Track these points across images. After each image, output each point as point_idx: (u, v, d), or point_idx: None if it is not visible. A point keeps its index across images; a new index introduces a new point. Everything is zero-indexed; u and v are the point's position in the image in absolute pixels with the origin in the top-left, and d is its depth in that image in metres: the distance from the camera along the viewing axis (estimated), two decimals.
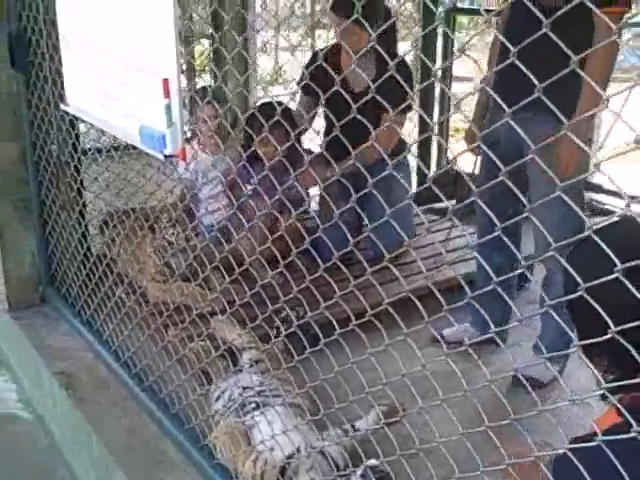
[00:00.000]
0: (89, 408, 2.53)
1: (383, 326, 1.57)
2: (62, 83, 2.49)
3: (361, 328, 1.61)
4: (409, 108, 3.54)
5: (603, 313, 0.93)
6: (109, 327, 2.65)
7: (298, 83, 3.53)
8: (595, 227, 1.00)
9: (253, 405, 2.23)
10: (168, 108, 1.89)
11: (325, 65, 1.79)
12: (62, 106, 2.51)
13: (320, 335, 1.74)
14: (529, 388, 1.31)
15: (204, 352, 2.36)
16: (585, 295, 0.96)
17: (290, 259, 1.75)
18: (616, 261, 0.91)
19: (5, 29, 2.83)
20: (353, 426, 2.17)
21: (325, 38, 7.30)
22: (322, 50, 3.64)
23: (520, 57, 1.09)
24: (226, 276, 2.00)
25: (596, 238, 0.96)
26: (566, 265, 1.02)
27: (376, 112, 1.36)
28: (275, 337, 2.32)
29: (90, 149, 3.16)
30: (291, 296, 1.75)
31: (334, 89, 1.54)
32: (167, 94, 1.88)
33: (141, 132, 2.02)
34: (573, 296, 0.99)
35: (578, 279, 0.98)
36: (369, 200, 1.52)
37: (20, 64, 2.84)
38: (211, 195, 3.55)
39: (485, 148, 1.32)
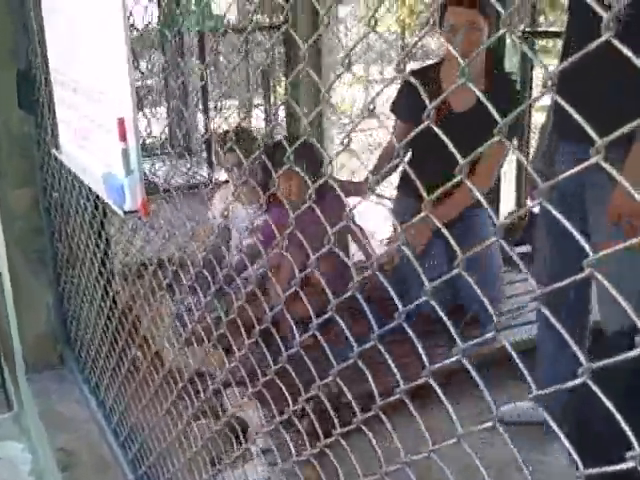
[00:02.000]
0: None
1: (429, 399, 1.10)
2: (56, 124, 2.21)
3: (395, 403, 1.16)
4: (517, 135, 3.09)
5: None
6: (110, 397, 2.32)
7: (392, 110, 3.03)
8: None
9: None
10: (125, 153, 1.54)
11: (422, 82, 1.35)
12: (53, 151, 2.23)
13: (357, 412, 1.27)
14: None
15: (211, 432, 1.98)
16: None
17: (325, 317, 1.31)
18: None
19: (14, 67, 2.59)
20: None
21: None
22: (419, 69, 3.12)
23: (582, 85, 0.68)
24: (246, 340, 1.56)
25: None
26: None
27: (481, 138, 0.84)
28: (299, 418, 1.91)
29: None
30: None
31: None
32: (123, 136, 1.53)
33: (105, 182, 1.69)
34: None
35: None
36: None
37: (27, 104, 2.59)
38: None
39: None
